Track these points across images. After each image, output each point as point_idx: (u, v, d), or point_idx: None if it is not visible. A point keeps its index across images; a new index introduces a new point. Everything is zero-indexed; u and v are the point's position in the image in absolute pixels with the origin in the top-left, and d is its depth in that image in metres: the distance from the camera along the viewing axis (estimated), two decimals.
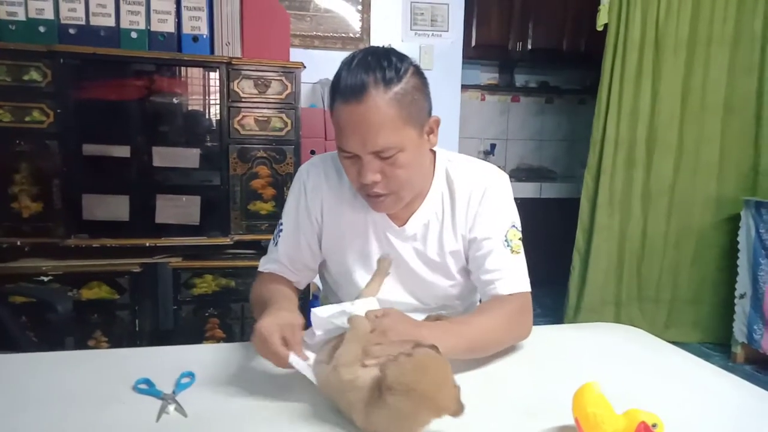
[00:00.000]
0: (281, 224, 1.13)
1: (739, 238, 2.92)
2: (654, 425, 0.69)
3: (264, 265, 1.14)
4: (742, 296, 2.90)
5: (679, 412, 0.81)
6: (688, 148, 3.16)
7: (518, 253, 1.06)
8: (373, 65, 0.90)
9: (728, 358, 2.99)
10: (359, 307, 0.86)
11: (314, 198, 1.09)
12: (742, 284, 2.90)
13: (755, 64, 3.07)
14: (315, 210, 1.09)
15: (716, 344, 3.18)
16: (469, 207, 1.07)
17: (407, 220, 1.07)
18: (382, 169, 0.94)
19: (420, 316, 1.11)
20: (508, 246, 1.05)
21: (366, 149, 0.91)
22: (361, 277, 1.09)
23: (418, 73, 0.95)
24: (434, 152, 1.10)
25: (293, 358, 0.83)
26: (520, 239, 1.08)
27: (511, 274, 1.04)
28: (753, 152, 3.12)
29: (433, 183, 1.08)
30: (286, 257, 1.11)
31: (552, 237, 3.55)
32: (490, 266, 1.05)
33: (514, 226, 1.08)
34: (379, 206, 1.01)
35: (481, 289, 1.08)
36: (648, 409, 0.71)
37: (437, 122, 0.99)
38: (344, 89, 0.90)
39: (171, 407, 0.80)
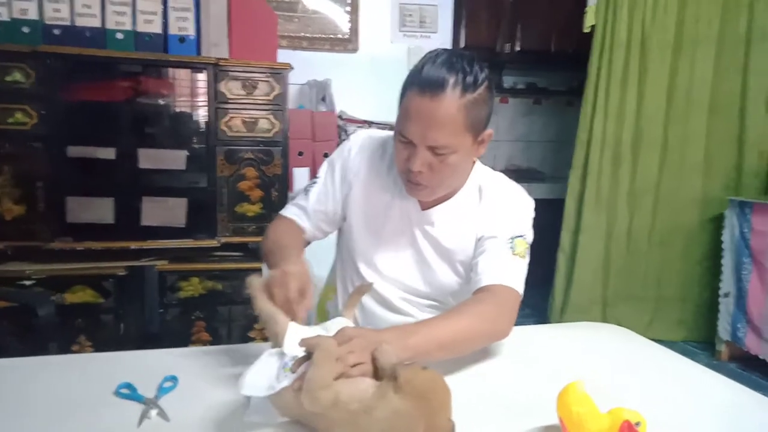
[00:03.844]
0: (317, 177, 1.20)
1: (723, 238, 2.95)
2: (638, 424, 0.69)
3: (287, 208, 1.21)
4: (726, 295, 2.93)
5: (663, 410, 0.82)
6: (673, 147, 3.19)
7: (520, 257, 1.06)
8: (457, 67, 0.95)
9: (713, 356, 3.02)
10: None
11: (354, 161, 1.16)
12: (726, 283, 2.93)
13: (740, 65, 3.11)
14: (351, 171, 1.16)
15: (701, 342, 3.21)
16: (489, 211, 1.11)
17: (431, 207, 1.12)
18: (431, 162, 0.99)
19: (414, 301, 1.17)
20: (510, 247, 1.06)
21: (424, 142, 0.97)
22: (378, 246, 1.15)
23: (491, 86, 1.00)
24: (474, 162, 1.15)
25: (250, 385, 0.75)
26: (526, 250, 1.09)
27: (501, 268, 1.04)
28: (737, 152, 3.16)
29: (464, 187, 1.13)
30: (311, 204, 1.18)
31: (540, 237, 3.53)
32: (483, 260, 1.06)
33: (523, 236, 1.09)
34: (416, 192, 1.07)
35: (471, 280, 1.08)
36: (632, 408, 0.71)
37: (490, 135, 1.05)
38: (423, 81, 0.95)
39: (153, 412, 0.79)
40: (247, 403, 0.80)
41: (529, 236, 1.11)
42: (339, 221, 1.21)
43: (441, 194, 1.10)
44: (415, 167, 0.99)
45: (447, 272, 1.15)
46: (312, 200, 1.18)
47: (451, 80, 0.94)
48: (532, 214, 1.14)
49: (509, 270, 1.04)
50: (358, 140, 1.19)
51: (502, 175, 1.18)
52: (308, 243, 1.22)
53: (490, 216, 1.10)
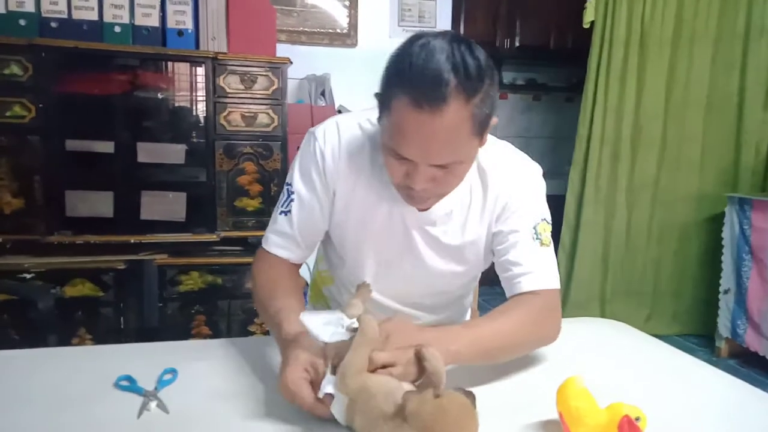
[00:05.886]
0: (291, 192, 1.00)
1: (723, 234, 2.95)
2: (637, 419, 0.69)
3: (270, 239, 1.02)
4: (726, 292, 2.93)
5: (663, 405, 0.82)
6: (672, 144, 3.20)
7: (547, 246, 0.98)
8: (457, 61, 0.75)
9: (712, 353, 3.03)
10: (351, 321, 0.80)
11: (332, 164, 0.97)
12: (726, 280, 2.93)
13: (737, 62, 3.11)
14: (332, 176, 0.98)
15: (700, 339, 3.22)
16: (499, 198, 0.99)
17: (430, 206, 0.97)
18: (435, 176, 0.84)
19: (420, 315, 1.10)
20: (537, 238, 0.97)
21: (427, 161, 0.81)
22: (369, 257, 1.03)
23: (492, 69, 0.81)
24: None
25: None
26: (549, 233, 1.00)
27: (538, 268, 0.96)
28: (734, 148, 3.17)
29: None
30: (298, 229, 1.00)
31: None
32: (514, 258, 0.96)
33: (544, 219, 1.00)
34: (419, 205, 0.94)
35: (505, 285, 0.99)
36: (631, 403, 0.71)
37: (494, 123, 0.86)
38: (417, 90, 0.75)
39: (152, 404, 0.79)
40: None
41: (548, 214, 1.01)
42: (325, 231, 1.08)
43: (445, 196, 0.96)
44: (418, 186, 0.84)
45: (455, 273, 1.04)
46: (296, 223, 1.00)
47: (453, 83, 0.74)
48: (544, 185, 1.03)
49: (542, 268, 0.96)
50: (327, 137, 0.98)
51: (502, 148, 1.02)
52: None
53: (503, 205, 0.98)
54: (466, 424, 0.65)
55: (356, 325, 0.77)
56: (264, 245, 1.03)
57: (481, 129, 0.82)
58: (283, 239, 1.01)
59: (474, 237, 1.01)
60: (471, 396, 0.67)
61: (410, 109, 0.76)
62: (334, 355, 0.74)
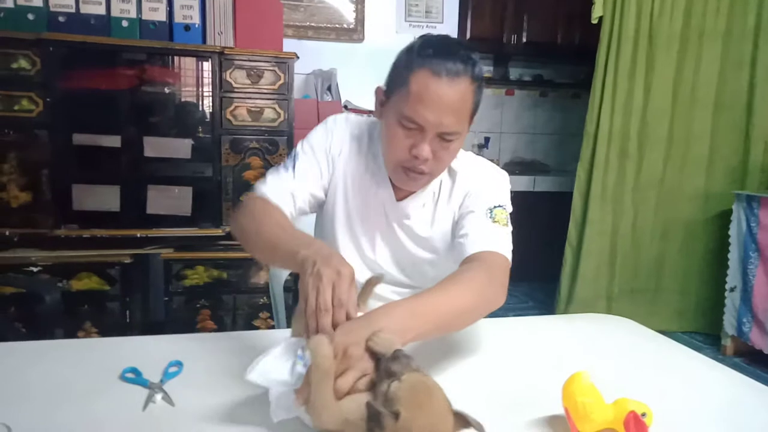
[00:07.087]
0: (297, 154, 1.09)
1: (730, 232, 2.93)
2: (643, 414, 0.69)
3: (268, 184, 1.05)
4: (732, 289, 2.92)
5: (669, 401, 0.82)
6: (679, 141, 3.18)
7: (500, 224, 1.03)
8: (463, 53, 0.95)
9: (718, 351, 3.01)
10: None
11: (336, 145, 1.11)
12: (733, 277, 2.91)
13: (747, 59, 3.08)
14: (335, 156, 1.11)
15: (706, 337, 3.21)
16: (463, 190, 1.10)
17: (405, 198, 1.10)
18: (435, 149, 0.97)
19: (399, 291, 1.14)
20: (490, 217, 1.03)
21: (437, 128, 0.94)
22: (344, 242, 1.13)
23: (483, 79, 1.01)
24: None
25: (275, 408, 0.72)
26: (507, 218, 1.05)
27: (484, 234, 1.00)
28: (743, 147, 3.14)
29: None
30: (299, 180, 1.06)
31: (545, 230, 3.56)
32: (464, 231, 1.02)
33: (502, 206, 1.06)
34: (413, 183, 1.04)
35: (456, 258, 1.02)
36: (638, 399, 0.71)
37: (473, 121, 1.04)
38: (440, 64, 0.92)
39: (158, 396, 0.79)
40: (268, 398, 0.74)
41: (508, 205, 1.08)
42: (318, 205, 1.14)
43: (434, 180, 1.07)
44: (423, 154, 0.95)
45: (429, 261, 1.13)
46: (298, 175, 1.06)
47: (463, 65, 0.93)
48: (508, 186, 1.12)
49: (492, 236, 1.00)
50: (338, 122, 1.13)
51: (471, 153, 1.16)
52: None
53: (465, 195, 1.09)
54: (439, 412, 0.62)
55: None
56: (257, 192, 1.04)
57: (472, 115, 0.99)
58: (280, 189, 1.04)
59: (441, 227, 1.11)
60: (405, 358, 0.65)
61: (430, 78, 0.92)
62: (299, 394, 0.69)
